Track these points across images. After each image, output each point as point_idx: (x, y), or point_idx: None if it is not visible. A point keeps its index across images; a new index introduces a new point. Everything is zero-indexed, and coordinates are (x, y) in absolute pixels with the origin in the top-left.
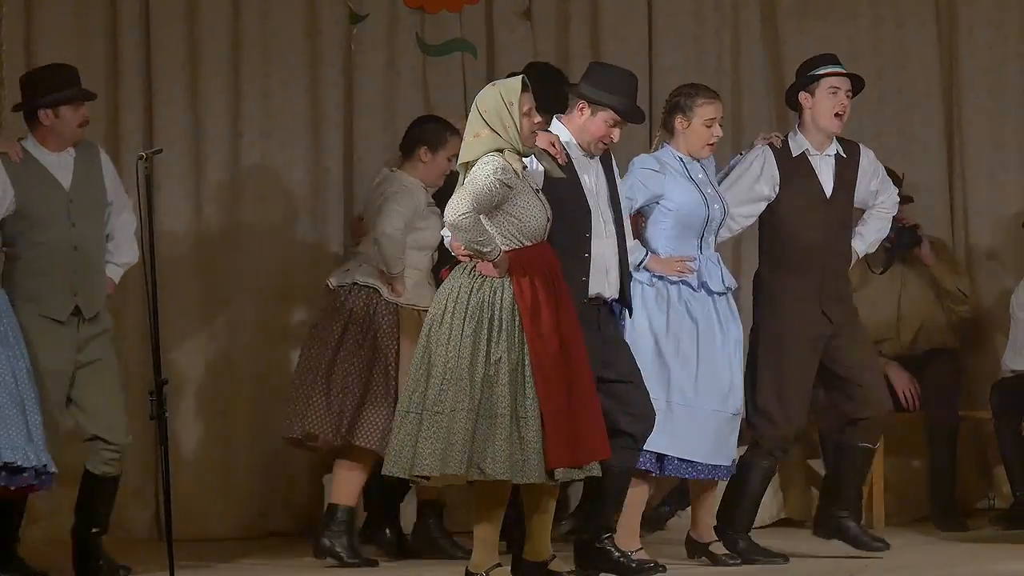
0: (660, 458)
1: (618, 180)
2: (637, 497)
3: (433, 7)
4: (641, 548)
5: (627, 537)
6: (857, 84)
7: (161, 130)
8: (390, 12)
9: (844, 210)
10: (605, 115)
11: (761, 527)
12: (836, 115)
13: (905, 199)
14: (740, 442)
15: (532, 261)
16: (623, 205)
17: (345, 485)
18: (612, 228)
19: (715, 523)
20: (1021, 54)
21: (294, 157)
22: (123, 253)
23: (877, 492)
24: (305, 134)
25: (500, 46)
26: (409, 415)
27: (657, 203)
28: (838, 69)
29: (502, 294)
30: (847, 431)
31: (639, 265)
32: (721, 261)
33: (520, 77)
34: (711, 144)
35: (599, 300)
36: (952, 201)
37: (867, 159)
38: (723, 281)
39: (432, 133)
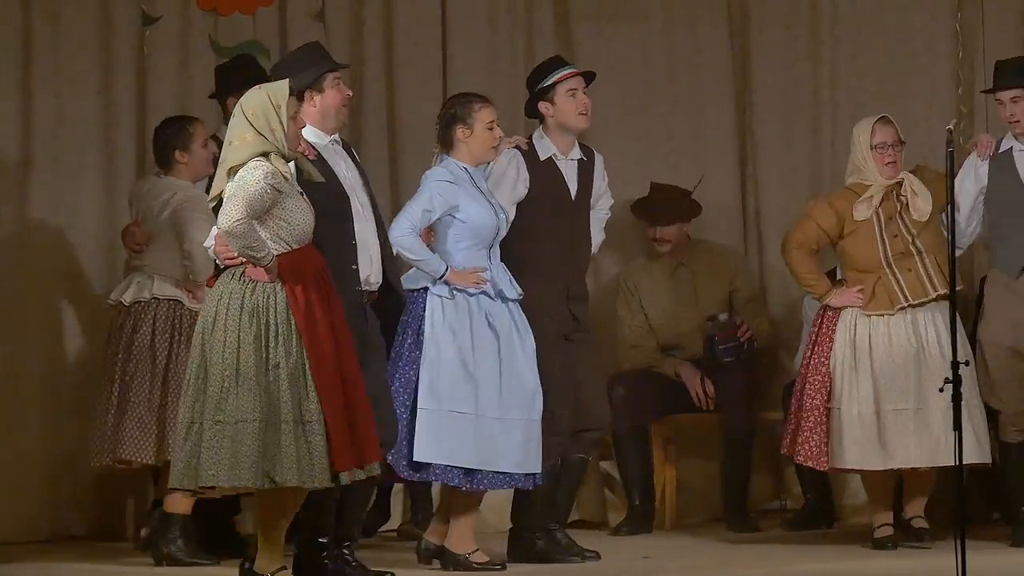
0: (469, 472)
1: (363, 166)
2: (471, 505)
3: (226, 9)
4: (478, 550)
5: (463, 542)
6: (589, 78)
7: None
8: (183, 14)
9: (586, 213)
10: (327, 82)
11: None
12: (581, 114)
13: (694, 207)
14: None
15: (302, 264)
16: (421, 218)
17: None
18: (370, 212)
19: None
20: (811, 54)
21: (85, 160)
22: None
23: (670, 493)
24: (97, 136)
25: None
26: (193, 425)
27: (451, 216)
28: (569, 71)
29: (275, 298)
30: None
31: (440, 279)
32: (507, 270)
33: (287, 80)
34: (495, 147)
35: (367, 291)
36: (745, 203)
37: (599, 164)
38: (514, 288)
39: (176, 133)
